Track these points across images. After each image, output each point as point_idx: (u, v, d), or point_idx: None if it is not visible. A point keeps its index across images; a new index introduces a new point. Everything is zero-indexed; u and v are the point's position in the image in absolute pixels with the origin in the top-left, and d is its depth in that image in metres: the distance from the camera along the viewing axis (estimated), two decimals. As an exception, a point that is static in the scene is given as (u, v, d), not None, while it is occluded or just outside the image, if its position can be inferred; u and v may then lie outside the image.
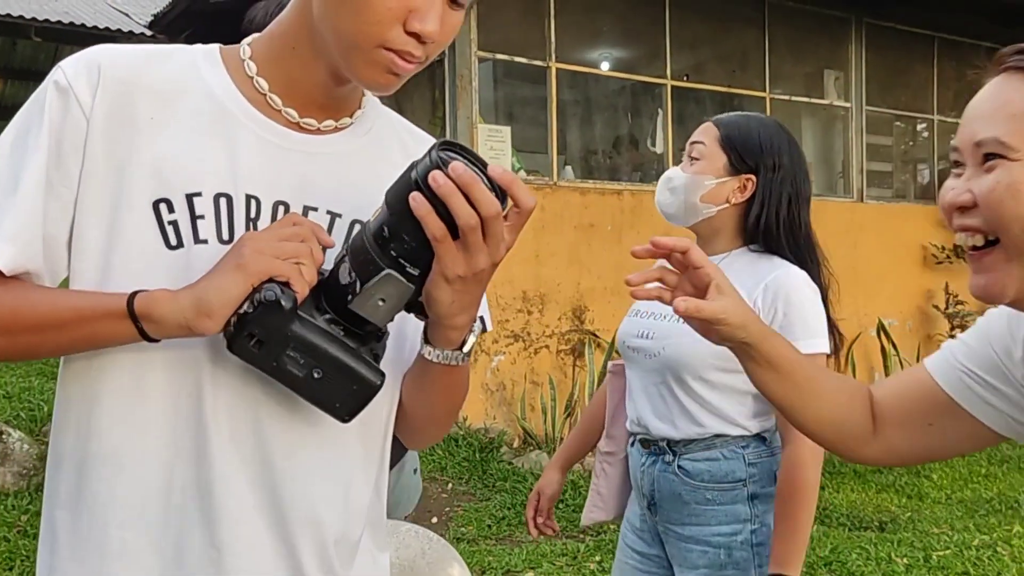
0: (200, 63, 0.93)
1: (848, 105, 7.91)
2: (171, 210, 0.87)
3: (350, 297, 0.81)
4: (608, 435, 1.92)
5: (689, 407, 1.68)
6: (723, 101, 7.33)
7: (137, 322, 0.81)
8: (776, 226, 1.70)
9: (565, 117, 6.96)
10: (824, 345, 1.65)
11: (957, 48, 8.60)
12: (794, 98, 7.77)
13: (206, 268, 0.83)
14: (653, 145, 7.30)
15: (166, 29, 7.97)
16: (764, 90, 7.41)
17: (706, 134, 1.76)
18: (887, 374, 7.43)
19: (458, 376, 0.94)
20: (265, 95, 0.92)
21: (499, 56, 6.14)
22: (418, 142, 1.02)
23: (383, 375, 0.84)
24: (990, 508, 5.09)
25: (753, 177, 1.71)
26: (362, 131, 0.98)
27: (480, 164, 0.79)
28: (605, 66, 7.74)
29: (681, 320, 1.70)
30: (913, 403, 1.07)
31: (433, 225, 0.76)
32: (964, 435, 1.05)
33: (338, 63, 0.88)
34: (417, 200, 0.76)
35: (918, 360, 7.53)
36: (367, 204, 0.87)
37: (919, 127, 8.86)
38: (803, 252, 1.72)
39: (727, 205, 1.72)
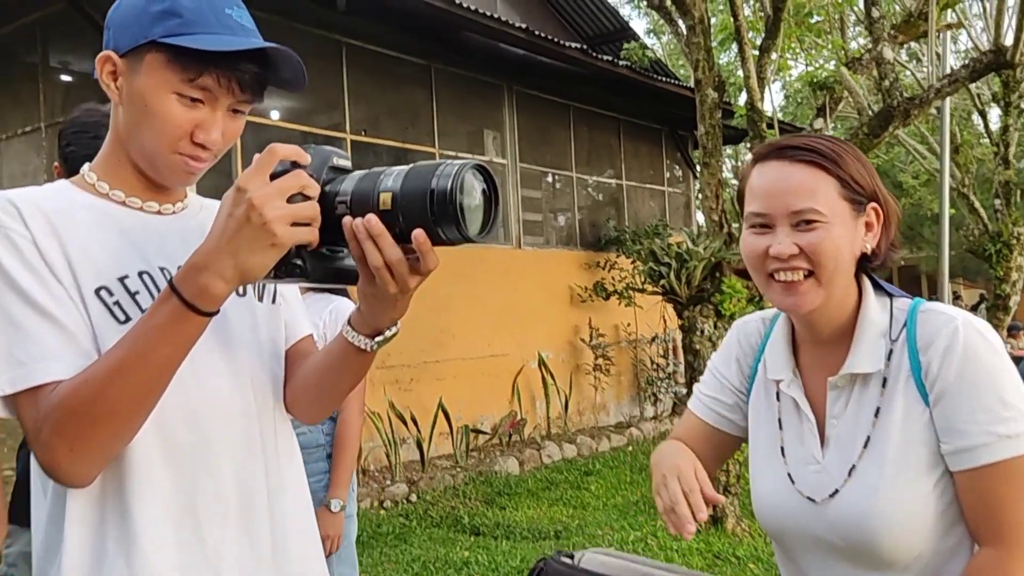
0: (66, 192, 1.13)
1: (505, 161, 8.86)
2: (111, 294, 1.06)
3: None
4: None
5: None
6: (397, 155, 7.83)
7: (184, 300, 0.93)
8: None
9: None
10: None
11: (587, 115, 10.04)
12: (460, 154, 8.52)
13: None
14: (335, 196, 7.53)
15: None
16: (433, 145, 8.06)
17: None
18: (548, 402, 8.39)
19: (366, 360, 1.15)
20: (124, 201, 1.14)
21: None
22: None
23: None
24: (637, 509, 6.07)
25: None
26: (193, 214, 1.21)
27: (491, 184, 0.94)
28: (276, 115, 7.86)
29: None
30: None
31: (354, 252, 0.96)
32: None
33: (144, 167, 1.12)
34: (350, 232, 0.94)
35: (571, 388, 8.60)
36: None
37: (561, 182, 10.14)
38: None
39: None
